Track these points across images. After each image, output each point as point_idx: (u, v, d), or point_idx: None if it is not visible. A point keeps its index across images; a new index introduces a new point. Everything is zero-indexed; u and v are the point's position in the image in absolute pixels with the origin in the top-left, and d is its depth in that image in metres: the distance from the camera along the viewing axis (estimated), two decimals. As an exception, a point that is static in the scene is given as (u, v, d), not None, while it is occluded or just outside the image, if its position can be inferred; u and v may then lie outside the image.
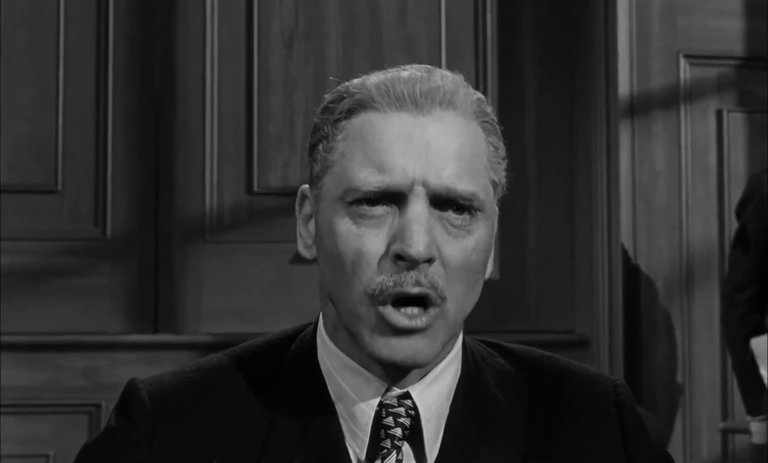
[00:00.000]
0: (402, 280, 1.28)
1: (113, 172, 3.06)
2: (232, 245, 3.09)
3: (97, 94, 3.07)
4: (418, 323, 1.29)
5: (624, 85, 3.67)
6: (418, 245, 1.27)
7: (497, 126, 1.38)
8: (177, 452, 1.33)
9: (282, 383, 1.37)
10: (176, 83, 3.09)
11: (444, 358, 1.36)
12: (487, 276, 1.38)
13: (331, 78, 1.41)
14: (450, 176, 1.30)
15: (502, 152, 1.37)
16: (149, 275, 3.06)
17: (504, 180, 1.38)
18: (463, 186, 1.30)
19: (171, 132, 3.09)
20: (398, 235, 1.28)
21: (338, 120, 1.33)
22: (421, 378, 1.35)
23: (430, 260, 1.28)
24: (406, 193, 1.29)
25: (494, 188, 1.36)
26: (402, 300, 1.29)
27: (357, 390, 1.34)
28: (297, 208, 1.39)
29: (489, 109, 1.37)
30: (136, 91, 3.09)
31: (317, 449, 1.33)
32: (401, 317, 1.29)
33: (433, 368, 1.35)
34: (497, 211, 1.39)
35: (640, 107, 3.77)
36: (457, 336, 1.38)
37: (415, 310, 1.29)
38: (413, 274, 1.28)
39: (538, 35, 3.20)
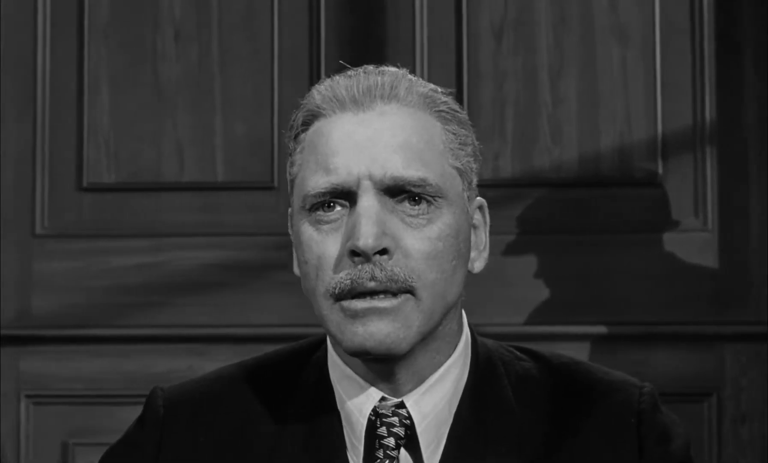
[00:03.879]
0: (358, 276, 1.28)
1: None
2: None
3: (311, 92, 3.13)
4: (380, 303, 1.28)
5: None
6: (367, 238, 1.27)
7: (458, 114, 1.36)
8: (184, 459, 1.36)
9: (297, 391, 1.39)
10: (387, 78, 3.12)
11: (442, 364, 1.35)
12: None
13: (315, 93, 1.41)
14: (395, 166, 1.30)
15: (467, 139, 1.36)
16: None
17: (474, 166, 1.36)
18: (411, 173, 1.30)
19: (383, 127, 3.12)
20: (350, 232, 1.29)
21: (297, 134, 1.36)
22: (417, 386, 1.34)
23: (385, 252, 1.28)
24: (355, 190, 1.30)
25: (460, 175, 1.34)
26: (362, 295, 1.29)
27: (353, 399, 1.34)
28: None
29: (446, 98, 1.36)
30: (348, 87, 3.12)
31: (319, 457, 1.34)
32: (359, 301, 1.28)
33: (429, 375, 1.34)
34: (480, 201, 1.38)
35: None
36: (456, 340, 1.37)
37: (375, 297, 1.28)
38: (368, 268, 1.28)
39: (757, 16, 3.09)
